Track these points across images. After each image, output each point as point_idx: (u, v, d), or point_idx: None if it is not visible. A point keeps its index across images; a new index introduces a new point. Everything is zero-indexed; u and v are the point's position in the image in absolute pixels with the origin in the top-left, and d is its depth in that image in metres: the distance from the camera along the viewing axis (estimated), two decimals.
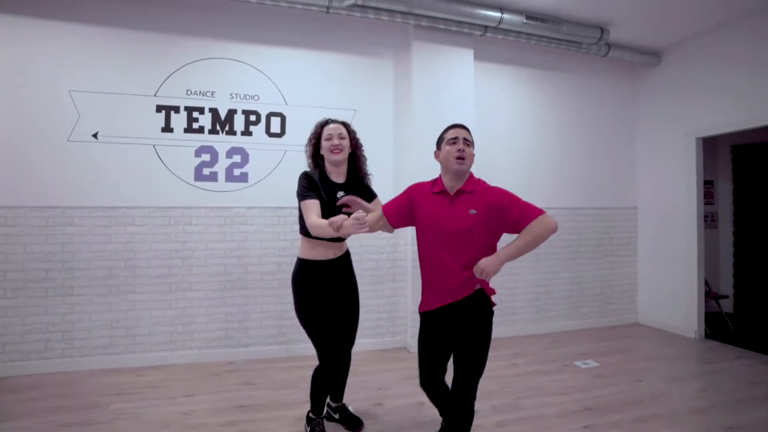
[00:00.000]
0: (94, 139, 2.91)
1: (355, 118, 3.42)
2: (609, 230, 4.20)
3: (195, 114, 3.09)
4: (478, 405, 2.39)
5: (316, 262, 1.92)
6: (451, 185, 1.66)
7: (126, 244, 2.96)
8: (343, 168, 1.99)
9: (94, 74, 2.91)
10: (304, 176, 1.89)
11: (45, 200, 2.83)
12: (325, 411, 2.11)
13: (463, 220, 1.59)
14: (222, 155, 3.13)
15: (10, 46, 2.79)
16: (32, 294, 2.81)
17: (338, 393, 2.17)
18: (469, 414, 1.64)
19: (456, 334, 1.63)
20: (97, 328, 2.91)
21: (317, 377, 1.94)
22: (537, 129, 3.96)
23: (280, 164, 3.24)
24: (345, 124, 2.02)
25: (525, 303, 3.85)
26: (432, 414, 2.19)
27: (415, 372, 2.82)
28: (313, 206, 1.80)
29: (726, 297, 4.18)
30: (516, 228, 1.59)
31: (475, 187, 1.65)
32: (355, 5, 3.02)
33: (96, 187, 2.91)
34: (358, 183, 2.04)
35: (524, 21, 3.31)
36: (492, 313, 1.66)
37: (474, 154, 1.69)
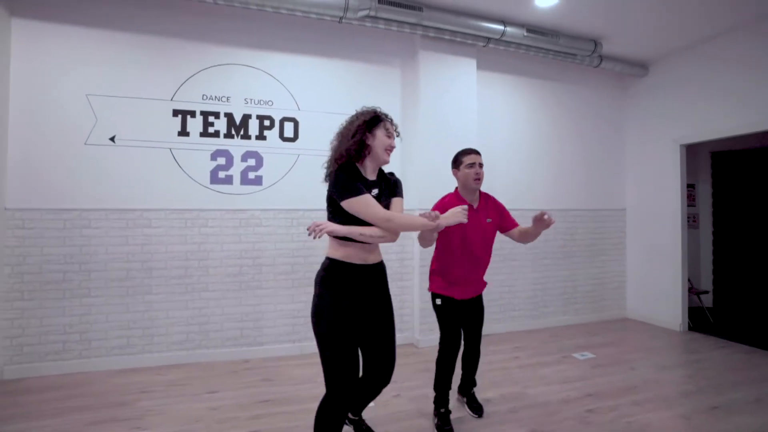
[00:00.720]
0: (111, 142, 2.95)
1: None
2: (601, 231, 4.45)
3: (210, 118, 3.16)
4: (487, 394, 2.57)
5: (348, 265, 1.58)
6: (470, 198, 2.15)
7: (143, 246, 3.01)
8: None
9: (111, 78, 2.95)
10: (347, 172, 1.56)
11: (62, 203, 2.86)
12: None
13: (484, 227, 2.15)
14: (237, 159, 3.21)
15: (28, 50, 2.81)
16: (49, 296, 2.83)
17: (360, 408, 1.97)
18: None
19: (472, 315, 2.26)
20: (114, 329, 2.95)
21: (322, 413, 1.52)
22: (535, 135, 4.17)
23: (294, 168, 3.35)
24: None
25: (524, 300, 4.06)
26: (451, 402, 2.35)
27: (427, 365, 2.99)
28: (372, 200, 1.54)
29: (706, 292, 4.49)
30: (503, 229, 2.24)
31: (486, 201, 2.21)
32: (367, 16, 3.15)
33: (113, 190, 2.95)
34: (389, 180, 1.79)
35: (525, 34, 3.51)
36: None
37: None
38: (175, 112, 3.08)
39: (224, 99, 3.19)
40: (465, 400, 2.41)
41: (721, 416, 2.31)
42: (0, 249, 2.71)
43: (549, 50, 3.81)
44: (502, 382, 2.76)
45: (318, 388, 2.57)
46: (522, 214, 3.94)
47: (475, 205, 2.14)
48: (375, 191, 1.65)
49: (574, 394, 2.59)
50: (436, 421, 2.17)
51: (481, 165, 2.11)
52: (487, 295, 3.87)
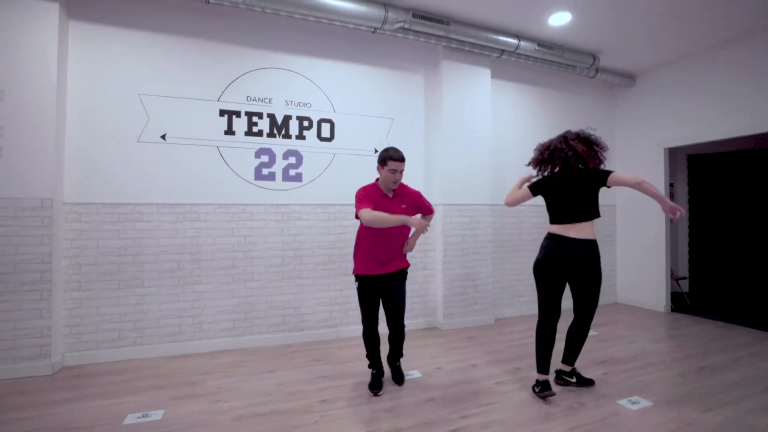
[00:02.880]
0: (162, 140, 3.11)
1: (393, 125, 3.85)
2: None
3: (254, 118, 3.36)
4: (515, 364, 2.93)
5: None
6: (386, 190, 2.45)
7: (192, 239, 3.18)
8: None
9: (162, 79, 3.10)
10: None
11: (116, 197, 2.99)
12: (551, 375, 2.64)
13: (399, 212, 2.42)
14: (279, 157, 3.43)
15: (85, 51, 2.93)
16: (105, 286, 2.96)
17: (571, 357, 2.61)
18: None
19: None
20: (165, 318, 3.11)
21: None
22: (538, 138, 4.59)
23: (330, 166, 3.60)
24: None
25: (531, 286, 4.48)
26: (485, 372, 2.70)
27: (456, 344, 3.34)
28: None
29: (684, 278, 5.09)
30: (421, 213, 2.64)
31: (401, 190, 2.49)
32: (401, 28, 3.45)
33: (164, 185, 3.11)
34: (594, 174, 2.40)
35: (536, 48, 3.92)
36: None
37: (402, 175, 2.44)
38: (222, 112, 3.27)
39: (267, 100, 3.41)
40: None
41: (709, 374, 2.79)
42: (59, 241, 2.82)
43: (554, 62, 4.25)
44: (522, 356, 3.13)
45: (365, 365, 2.86)
46: (531, 209, 4.37)
47: (390, 195, 2.43)
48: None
49: (587, 362, 3.01)
50: (369, 381, 2.56)
51: (401, 172, 2.37)
52: (497, 282, 4.30)
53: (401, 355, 2.67)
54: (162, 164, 3.11)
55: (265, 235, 3.38)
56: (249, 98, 3.35)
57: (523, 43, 3.85)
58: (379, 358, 2.58)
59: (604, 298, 4.95)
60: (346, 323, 3.60)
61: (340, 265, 3.61)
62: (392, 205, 2.42)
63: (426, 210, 2.60)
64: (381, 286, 2.47)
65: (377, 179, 2.48)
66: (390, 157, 2.34)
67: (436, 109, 3.97)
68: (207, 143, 3.23)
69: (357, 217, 2.29)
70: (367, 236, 2.44)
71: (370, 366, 2.59)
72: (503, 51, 3.97)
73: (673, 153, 5.21)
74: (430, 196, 3.95)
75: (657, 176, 4.59)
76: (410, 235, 2.57)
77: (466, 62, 4.00)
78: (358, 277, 2.47)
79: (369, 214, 2.21)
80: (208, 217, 3.23)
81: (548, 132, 4.64)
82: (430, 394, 2.46)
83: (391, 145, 3.82)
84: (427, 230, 2.38)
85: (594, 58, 4.25)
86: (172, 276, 3.13)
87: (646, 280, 4.71)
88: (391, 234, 2.43)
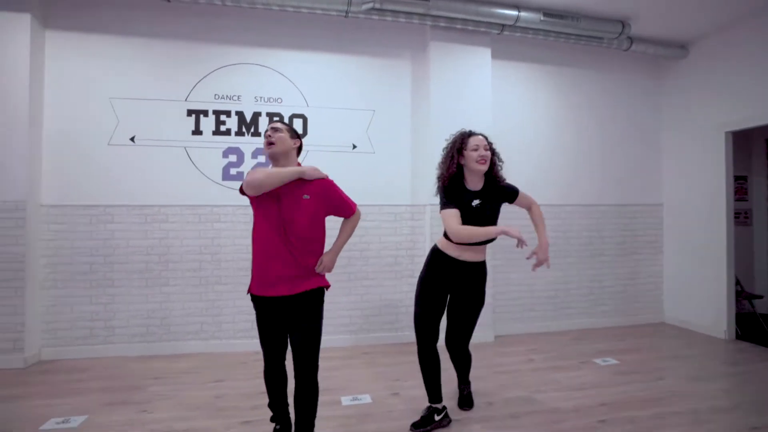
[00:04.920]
0: (131, 142, 3.14)
1: (374, 118, 3.52)
2: (632, 227, 4.12)
3: (222, 117, 3.27)
4: (491, 397, 2.45)
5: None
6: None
7: (160, 240, 3.18)
8: (482, 175, 2.05)
9: (131, 82, 3.14)
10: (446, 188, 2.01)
11: (89, 199, 3.08)
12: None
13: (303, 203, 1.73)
14: (248, 156, 3.30)
15: (61, 60, 3.06)
16: (78, 285, 3.07)
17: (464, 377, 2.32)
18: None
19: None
20: (135, 318, 3.14)
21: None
22: (552, 125, 3.93)
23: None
24: (484, 135, 2.08)
25: (544, 300, 3.84)
26: (450, 405, 2.27)
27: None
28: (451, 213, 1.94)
29: (761, 297, 4.01)
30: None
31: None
32: (372, 9, 3.11)
33: (133, 187, 3.14)
34: (495, 188, 2.07)
35: (541, 18, 3.30)
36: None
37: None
38: (189, 112, 3.22)
39: (235, 98, 3.29)
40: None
41: None
42: (34, 242, 2.97)
43: (570, 35, 3.57)
44: (510, 386, 2.62)
45: (322, 382, 2.58)
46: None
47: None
48: (476, 201, 2.00)
49: (587, 402, 2.41)
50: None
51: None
52: (501, 294, 3.73)
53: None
54: (131, 166, 3.14)
55: (233, 237, 3.27)
56: (217, 96, 3.26)
57: (523, 14, 3.27)
58: (285, 406, 1.88)
59: (645, 317, 4.09)
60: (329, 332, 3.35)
61: None
62: (294, 194, 1.69)
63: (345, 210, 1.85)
64: (281, 313, 1.72)
65: None
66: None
67: (425, 97, 3.55)
68: (174, 144, 3.21)
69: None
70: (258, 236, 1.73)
71: (272, 419, 1.91)
72: (503, 26, 3.42)
73: (745, 138, 4.14)
74: (418, 194, 3.55)
75: (717, 167, 3.65)
76: (334, 245, 1.83)
77: (460, 42, 3.51)
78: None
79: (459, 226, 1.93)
80: (175, 219, 3.20)
81: (568, 115, 3.97)
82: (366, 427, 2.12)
83: (371, 138, 3.50)
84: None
85: (623, 26, 3.48)
86: (142, 277, 3.15)
87: (702, 296, 3.78)
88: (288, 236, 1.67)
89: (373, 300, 3.48)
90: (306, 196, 1.70)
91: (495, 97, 3.67)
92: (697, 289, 3.83)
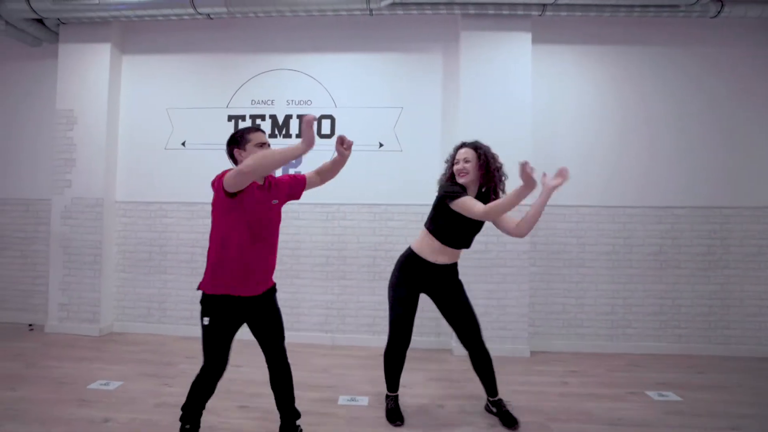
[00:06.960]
0: (182, 147, 3.55)
1: (402, 115, 3.44)
2: (722, 235, 3.34)
3: (258, 121, 3.51)
4: (490, 419, 2.19)
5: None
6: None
7: (203, 234, 3.49)
8: (474, 189, 2.04)
9: (183, 93, 3.55)
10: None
11: (149, 196, 3.57)
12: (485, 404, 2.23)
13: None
14: None
15: (130, 79, 3.62)
16: (140, 270, 3.56)
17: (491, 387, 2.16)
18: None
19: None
20: (183, 302, 3.53)
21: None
22: (618, 117, 3.38)
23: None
24: (475, 147, 2.03)
25: (596, 316, 3.33)
26: (452, 419, 2.09)
27: (446, 374, 2.74)
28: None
29: None
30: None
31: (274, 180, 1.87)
32: (394, 3, 3.04)
33: (182, 186, 3.54)
34: (487, 201, 2.01)
35: None
36: None
37: None
38: (229, 118, 3.52)
39: (269, 102, 3.51)
40: None
41: None
42: (109, 232, 3.53)
43: (633, 6, 3.04)
44: (525, 409, 2.30)
45: (328, 379, 2.61)
46: (601, 209, 3.28)
47: (262, 182, 1.80)
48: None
49: None
50: None
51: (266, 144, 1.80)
52: (543, 305, 3.32)
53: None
54: (183, 168, 3.55)
55: None
56: (253, 101, 3.52)
57: None
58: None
59: (741, 348, 3.29)
60: (342, 330, 3.40)
61: (338, 268, 3.43)
62: (267, 196, 1.80)
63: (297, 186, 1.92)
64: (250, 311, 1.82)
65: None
66: (248, 130, 1.84)
67: (455, 91, 3.36)
68: (217, 147, 3.50)
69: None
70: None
71: (185, 420, 1.87)
72: (544, 6, 3.06)
73: None
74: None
75: None
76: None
77: (494, 29, 3.24)
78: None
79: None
80: None
81: (636, 104, 3.40)
82: None
83: (399, 136, 3.43)
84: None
85: None
86: (188, 266, 3.53)
87: None
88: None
89: None
90: (275, 201, 1.82)
91: (537, 86, 3.30)
92: None
